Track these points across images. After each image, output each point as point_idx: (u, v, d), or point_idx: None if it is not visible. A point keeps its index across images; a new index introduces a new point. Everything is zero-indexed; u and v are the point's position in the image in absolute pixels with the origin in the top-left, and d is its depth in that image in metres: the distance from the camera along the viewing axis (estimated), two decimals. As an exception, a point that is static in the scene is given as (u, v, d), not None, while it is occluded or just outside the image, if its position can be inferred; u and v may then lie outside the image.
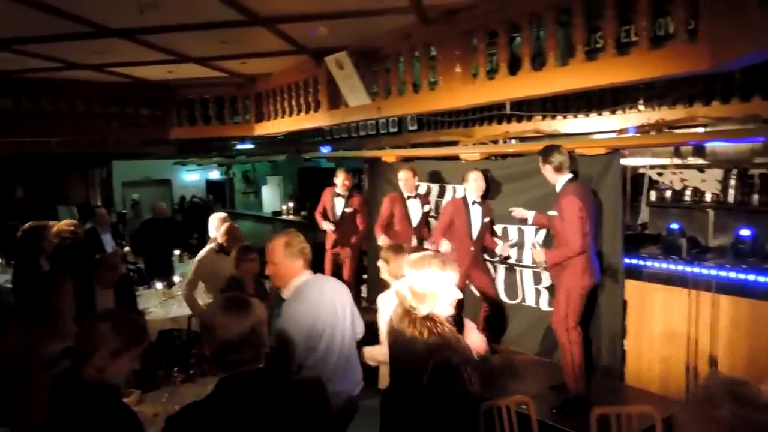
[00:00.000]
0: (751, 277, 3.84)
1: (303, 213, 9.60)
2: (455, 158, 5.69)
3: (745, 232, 4.07)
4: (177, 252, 7.17)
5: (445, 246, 4.83)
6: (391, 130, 7.07)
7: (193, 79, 7.42)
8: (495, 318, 5.07)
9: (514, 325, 5.17)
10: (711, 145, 4.93)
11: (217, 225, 5.06)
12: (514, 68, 3.58)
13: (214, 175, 15.42)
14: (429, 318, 2.20)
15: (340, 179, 5.93)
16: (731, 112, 4.26)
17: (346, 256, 6.12)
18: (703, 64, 2.52)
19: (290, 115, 6.54)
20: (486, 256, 5.21)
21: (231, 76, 7.21)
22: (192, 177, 15.32)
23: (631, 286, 4.40)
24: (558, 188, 4.07)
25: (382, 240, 5.35)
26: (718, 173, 5.11)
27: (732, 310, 3.89)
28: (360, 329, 2.97)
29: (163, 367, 3.49)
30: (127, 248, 7.54)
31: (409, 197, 5.44)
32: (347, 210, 6.00)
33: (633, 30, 3.88)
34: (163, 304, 5.31)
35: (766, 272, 3.83)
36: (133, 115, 8.19)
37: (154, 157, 12.24)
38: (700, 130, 4.46)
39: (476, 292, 5.10)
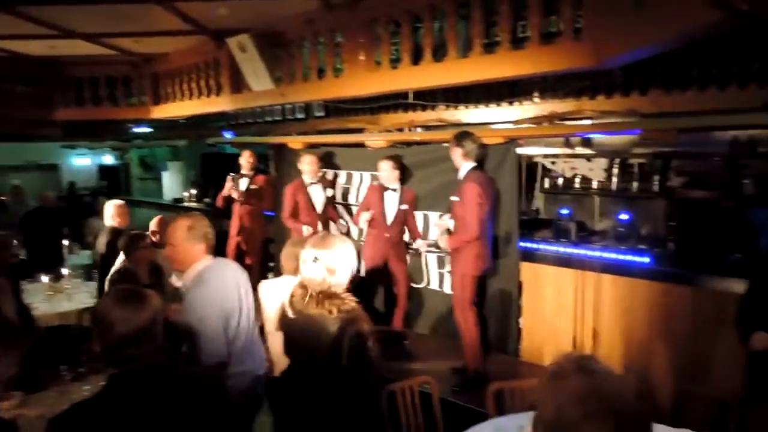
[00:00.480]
0: (629, 258, 4.22)
1: (206, 200, 9.23)
2: (362, 145, 5.73)
3: (623, 217, 4.45)
4: (66, 243, 6.68)
5: (364, 217, 4.94)
6: (298, 116, 6.96)
7: (82, 57, 6.85)
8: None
9: (420, 308, 5.32)
10: (597, 137, 5.34)
11: (113, 213, 4.82)
12: (416, 58, 3.65)
13: (108, 159, 14.43)
14: (334, 295, 2.28)
15: (245, 157, 5.91)
16: (614, 106, 4.61)
17: (250, 242, 6.07)
18: (587, 61, 2.72)
19: (190, 99, 6.25)
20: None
21: (124, 55, 6.74)
22: (83, 162, 14.23)
23: (526, 267, 4.68)
24: (461, 174, 4.23)
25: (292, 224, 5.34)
26: (603, 162, 5.54)
27: (613, 288, 4.25)
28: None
29: (51, 365, 3.25)
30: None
31: (311, 183, 5.42)
32: (252, 187, 5.99)
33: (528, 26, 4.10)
34: (49, 299, 4.92)
35: (640, 253, 4.23)
36: (11, 93, 7.43)
37: (39, 140, 11.21)
38: (588, 122, 4.79)
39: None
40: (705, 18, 1.86)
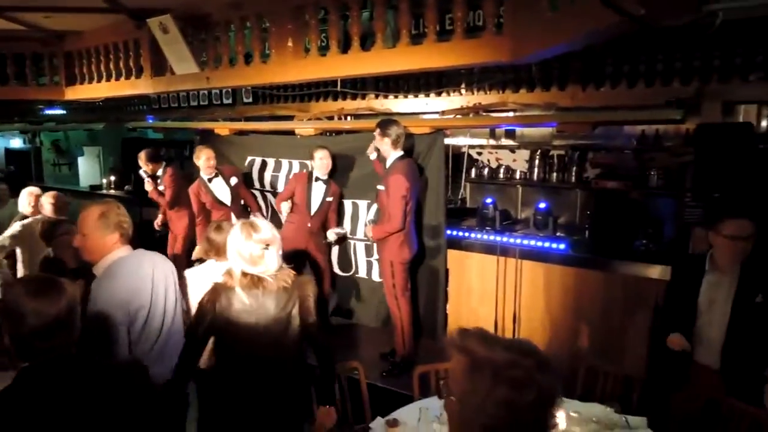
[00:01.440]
0: (546, 245, 4.45)
1: (127, 187, 8.82)
2: (291, 133, 5.67)
3: (541, 206, 4.67)
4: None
5: (285, 207, 4.90)
6: (225, 101, 6.79)
7: (-17, 31, 6.32)
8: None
9: (348, 296, 5.36)
10: (520, 128, 5.56)
11: (29, 201, 4.56)
12: (345, 47, 3.66)
13: (16, 143, 13.40)
14: (282, 267, 2.44)
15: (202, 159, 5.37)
16: (535, 99, 4.82)
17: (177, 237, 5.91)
18: (506, 56, 2.83)
19: (108, 80, 5.91)
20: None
21: (33, 31, 6.26)
22: (-14, 145, 13.16)
23: (452, 255, 4.82)
24: (389, 163, 4.28)
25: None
26: (525, 153, 5.77)
27: (531, 273, 4.47)
28: (184, 308, 2.85)
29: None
30: None
31: (210, 179, 5.25)
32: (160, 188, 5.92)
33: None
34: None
35: (557, 240, 4.46)
36: None
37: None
38: (511, 114, 4.98)
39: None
40: (607, 21, 1.98)
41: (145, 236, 6.16)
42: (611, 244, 4.31)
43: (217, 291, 2.45)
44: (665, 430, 2.67)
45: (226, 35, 4.46)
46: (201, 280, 3.01)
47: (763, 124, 4.43)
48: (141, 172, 5.88)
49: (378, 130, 4.24)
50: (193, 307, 2.95)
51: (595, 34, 2.33)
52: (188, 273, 3.09)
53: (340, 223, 5.13)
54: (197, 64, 4.65)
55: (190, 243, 5.76)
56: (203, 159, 5.19)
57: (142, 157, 5.85)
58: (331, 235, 4.96)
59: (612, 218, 4.44)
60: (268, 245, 2.39)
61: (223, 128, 6.02)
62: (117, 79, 5.78)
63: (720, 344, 2.91)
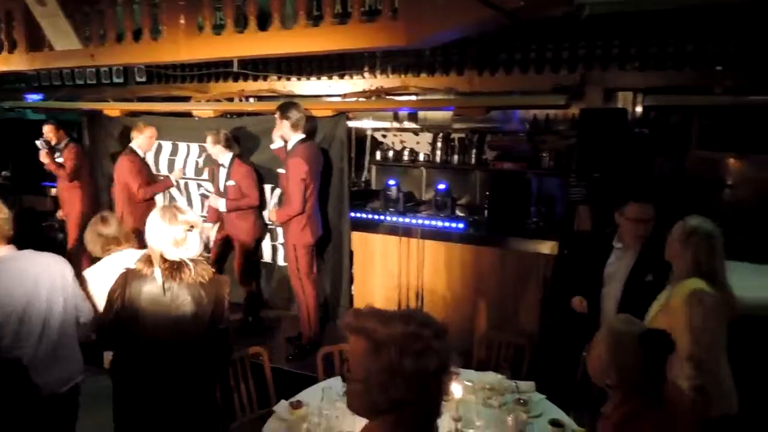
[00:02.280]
0: (446, 224, 4.62)
1: (4, 173, 8.03)
2: (189, 115, 5.43)
3: (441, 187, 4.84)
4: None
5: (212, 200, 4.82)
6: (116, 80, 6.35)
7: None
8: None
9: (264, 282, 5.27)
10: (422, 112, 5.70)
11: None
12: (241, 26, 3.54)
13: None
14: (200, 261, 2.38)
15: (47, 133, 5.55)
16: (435, 83, 4.94)
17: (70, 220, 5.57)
18: (400, 40, 2.88)
19: (-24, 55, 5.33)
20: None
21: None
22: None
23: (357, 237, 4.88)
24: (290, 146, 4.23)
25: None
26: (428, 136, 5.94)
27: (433, 252, 4.63)
28: (85, 312, 2.67)
29: None
30: None
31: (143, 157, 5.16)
32: (60, 161, 5.62)
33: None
34: None
35: (456, 220, 4.65)
36: None
37: None
38: (413, 98, 5.07)
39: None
40: (486, 13, 2.08)
41: (27, 225, 5.69)
42: (507, 222, 4.55)
43: (127, 278, 2.36)
44: (554, 392, 2.88)
45: (112, 9, 4.16)
46: (105, 276, 2.84)
47: (638, 109, 4.85)
48: (39, 141, 5.55)
49: (278, 113, 4.18)
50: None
51: (485, 23, 2.43)
52: (87, 274, 2.90)
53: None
54: (80, 39, 4.30)
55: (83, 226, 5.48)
56: (146, 135, 5.03)
57: (49, 125, 5.68)
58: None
59: (508, 198, 4.68)
60: (192, 227, 2.36)
61: (113, 109, 5.66)
62: (-14, 53, 5.22)
63: (614, 312, 3.14)
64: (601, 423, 1.84)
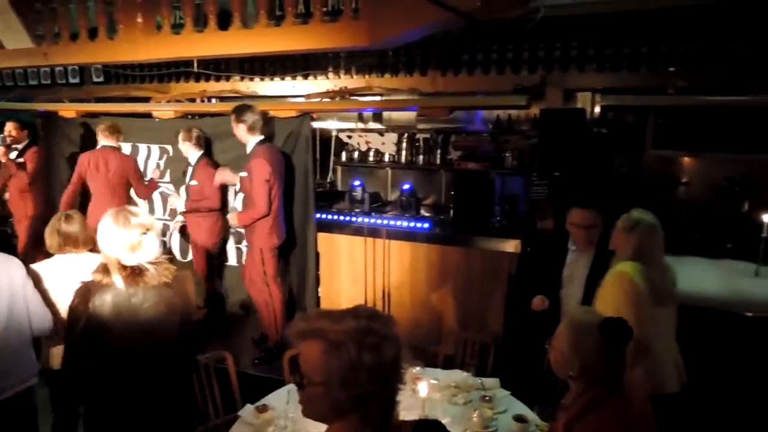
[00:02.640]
0: (412, 224, 4.65)
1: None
2: (149, 116, 5.31)
3: (406, 187, 4.87)
4: None
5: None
6: (72, 80, 6.17)
7: None
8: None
9: (227, 283, 5.19)
10: (387, 112, 5.71)
11: None
12: (201, 25, 3.48)
13: None
14: (160, 262, 2.31)
15: (8, 131, 5.37)
16: (399, 84, 4.97)
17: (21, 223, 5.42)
18: (363, 41, 2.88)
19: None
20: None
21: None
22: None
23: (323, 238, 4.86)
24: (249, 149, 4.18)
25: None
26: (394, 137, 5.95)
27: (399, 252, 4.65)
28: (37, 323, 2.58)
29: None
30: None
31: None
32: (20, 161, 5.43)
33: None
34: None
35: (422, 220, 4.69)
36: None
37: None
38: (377, 98, 5.08)
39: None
40: (444, 14, 2.11)
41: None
42: (471, 221, 4.60)
43: (89, 290, 2.24)
44: (518, 388, 2.93)
45: (65, 7, 4.03)
46: (58, 274, 2.78)
47: (597, 109, 4.97)
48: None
49: (233, 116, 4.14)
50: (57, 302, 2.70)
51: (445, 24, 2.45)
52: (38, 267, 2.80)
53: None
54: (32, 38, 4.16)
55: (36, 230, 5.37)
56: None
57: (12, 123, 5.49)
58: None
59: (472, 197, 4.73)
60: (147, 230, 2.26)
61: (69, 110, 5.48)
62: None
63: None
64: (560, 413, 1.87)
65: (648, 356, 2.44)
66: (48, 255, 2.92)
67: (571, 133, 4.17)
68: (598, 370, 1.77)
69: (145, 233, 2.25)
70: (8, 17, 4.07)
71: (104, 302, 2.22)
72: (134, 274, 2.22)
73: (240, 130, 4.13)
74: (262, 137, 4.18)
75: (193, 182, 4.55)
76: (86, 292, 2.24)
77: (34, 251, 5.37)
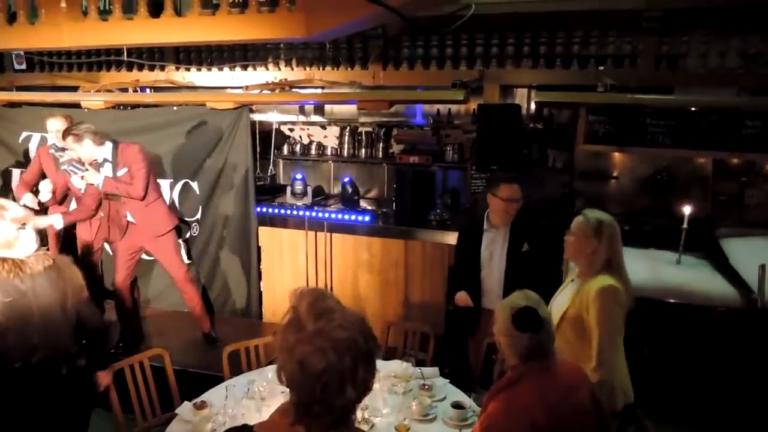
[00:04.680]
0: (354, 218, 4.65)
1: None
2: (76, 106, 5.05)
3: (346, 179, 4.87)
4: None
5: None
6: (-10, 67, 5.80)
7: None
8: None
9: (154, 282, 5.02)
10: (329, 105, 5.67)
11: None
12: (130, 12, 3.34)
13: None
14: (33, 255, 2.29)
15: None
16: (340, 77, 4.95)
17: None
18: (299, 32, 2.85)
19: None
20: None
21: None
22: None
23: (264, 232, 4.79)
24: (110, 156, 3.79)
25: None
26: (336, 130, 5.91)
27: (340, 245, 4.66)
28: None
29: None
30: None
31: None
32: None
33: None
34: None
35: (363, 213, 4.70)
36: None
37: None
38: (318, 91, 5.04)
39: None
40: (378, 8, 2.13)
41: None
42: (413, 214, 4.66)
43: None
44: (458, 375, 3.00)
45: (-20, -12, 3.78)
46: None
47: (533, 106, 5.13)
48: None
49: (71, 140, 3.61)
50: None
51: (380, 17, 2.46)
52: None
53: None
54: (-57, 20, 3.86)
55: None
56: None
57: None
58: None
59: (414, 190, 4.78)
60: (23, 224, 2.27)
61: (-13, 99, 5.15)
62: None
63: (500, 290, 3.37)
64: (488, 392, 1.96)
65: (616, 369, 2.41)
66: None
67: (507, 128, 4.29)
68: (519, 352, 1.88)
69: (21, 228, 2.28)
70: None
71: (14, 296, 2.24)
72: (15, 266, 2.25)
73: (89, 147, 3.64)
74: (110, 140, 3.82)
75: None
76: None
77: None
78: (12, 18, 3.77)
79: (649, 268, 3.85)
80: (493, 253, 3.41)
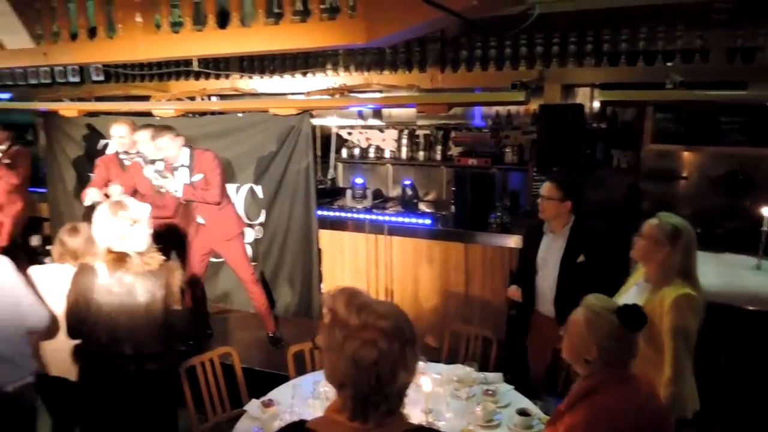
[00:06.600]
0: (413, 221, 4.67)
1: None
2: (148, 114, 5.33)
3: (407, 182, 4.89)
4: None
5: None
6: (72, 79, 6.19)
7: None
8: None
9: (221, 282, 5.21)
10: (387, 109, 5.72)
11: None
12: (200, 24, 3.49)
13: None
14: (141, 253, 2.44)
15: None
16: (398, 80, 4.98)
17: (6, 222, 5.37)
18: (360, 39, 2.89)
19: None
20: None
21: None
22: None
23: (324, 235, 4.88)
24: (188, 161, 4.02)
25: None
26: (394, 133, 5.96)
27: (400, 248, 4.67)
28: (32, 319, 2.59)
29: None
30: None
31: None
32: (5, 161, 5.30)
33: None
34: None
35: (423, 216, 4.71)
36: None
37: None
38: (376, 95, 5.09)
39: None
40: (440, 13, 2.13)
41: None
42: (472, 217, 4.62)
43: (80, 271, 2.45)
44: (518, 381, 2.95)
45: (64, 6, 4.04)
46: (51, 282, 2.78)
47: (595, 104, 4.99)
48: None
49: (168, 137, 3.87)
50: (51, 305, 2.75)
51: (442, 22, 2.46)
52: (33, 272, 2.82)
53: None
54: (31, 37, 4.16)
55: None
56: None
57: None
58: None
59: (473, 193, 4.74)
60: (135, 222, 2.41)
61: (69, 109, 5.49)
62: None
63: (552, 296, 3.32)
64: (565, 403, 1.92)
65: (688, 380, 2.31)
66: (30, 255, 2.97)
67: (570, 129, 4.18)
68: (613, 354, 1.81)
69: (132, 225, 2.41)
70: (9, 18, 4.07)
71: (91, 285, 2.41)
72: (118, 260, 2.39)
73: (179, 145, 3.94)
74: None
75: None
76: (78, 273, 2.46)
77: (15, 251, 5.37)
78: (92, 33, 4.01)
79: (724, 273, 3.66)
80: (548, 258, 3.34)
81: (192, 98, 5.59)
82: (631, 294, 2.55)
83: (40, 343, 2.81)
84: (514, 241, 4.31)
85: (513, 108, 5.33)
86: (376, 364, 1.17)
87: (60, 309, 2.64)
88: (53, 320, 2.67)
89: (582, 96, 5.04)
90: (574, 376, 2.02)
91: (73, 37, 4.09)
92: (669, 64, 4.23)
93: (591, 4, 4.19)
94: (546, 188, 3.28)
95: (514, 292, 3.48)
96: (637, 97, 4.13)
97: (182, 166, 4.01)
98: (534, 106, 4.83)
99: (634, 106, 4.80)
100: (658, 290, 2.40)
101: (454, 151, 5.77)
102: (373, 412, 1.20)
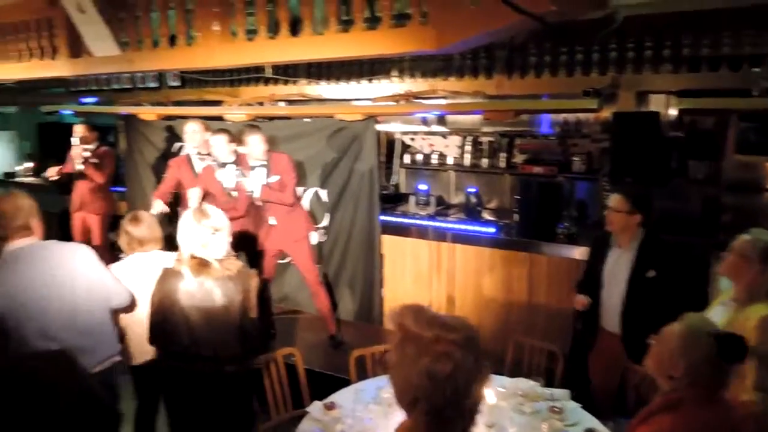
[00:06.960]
0: (476, 228, 4.61)
1: (45, 175, 8.30)
2: (220, 118, 5.53)
3: (471, 190, 4.83)
4: None
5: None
6: (150, 84, 6.51)
7: None
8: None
9: (287, 283, 5.33)
10: (451, 116, 5.68)
11: None
12: (273, 32, 3.60)
13: None
14: (221, 259, 2.51)
15: (78, 133, 5.47)
16: (463, 87, 4.93)
17: (93, 220, 5.64)
18: (430, 45, 2.89)
19: (19, 61, 5.51)
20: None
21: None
22: None
23: (387, 240, 4.90)
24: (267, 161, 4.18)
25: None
26: (457, 140, 5.91)
27: (463, 256, 4.62)
28: (116, 299, 2.73)
29: None
30: None
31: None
32: (93, 161, 5.53)
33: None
34: None
35: (487, 224, 4.64)
36: None
37: None
38: (441, 102, 5.07)
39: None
40: (516, 17, 2.09)
41: (66, 225, 5.83)
42: (537, 227, 4.51)
43: (165, 275, 2.56)
44: (587, 399, 2.85)
45: (147, 16, 4.27)
46: (131, 273, 2.93)
47: (672, 112, 4.75)
48: (74, 139, 5.53)
49: (257, 135, 4.10)
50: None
51: (516, 27, 2.42)
52: (113, 269, 2.98)
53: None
54: (118, 45, 4.42)
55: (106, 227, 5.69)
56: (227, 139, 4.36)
57: (82, 125, 5.63)
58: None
59: (538, 202, 4.64)
60: (216, 230, 2.50)
61: (148, 113, 5.79)
62: (29, 59, 5.39)
63: (619, 312, 3.18)
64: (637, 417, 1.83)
65: None
66: (113, 252, 3.11)
67: (645, 138, 4.01)
68: (699, 377, 1.71)
69: (214, 233, 2.49)
70: (98, 27, 4.34)
71: (175, 288, 2.51)
72: (201, 265, 2.48)
73: (263, 143, 4.12)
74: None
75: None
76: (163, 276, 2.56)
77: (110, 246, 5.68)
78: (172, 41, 4.21)
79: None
80: (616, 273, 3.19)
81: (261, 103, 5.76)
82: (716, 313, 2.43)
83: (126, 335, 2.96)
84: (580, 253, 4.17)
85: (582, 115, 5.16)
86: (451, 376, 1.16)
87: (139, 295, 2.80)
88: (133, 299, 2.82)
89: (656, 103, 4.81)
90: (646, 397, 1.93)
91: (155, 44, 4.32)
92: (756, 69, 3.97)
93: (668, 7, 4.00)
94: (614, 200, 3.17)
95: (582, 300, 3.35)
96: (723, 105, 3.91)
97: (261, 166, 4.16)
98: (605, 113, 4.66)
99: (715, 115, 4.54)
100: (743, 309, 2.29)
101: (519, 158, 5.65)
102: (449, 429, 1.19)
